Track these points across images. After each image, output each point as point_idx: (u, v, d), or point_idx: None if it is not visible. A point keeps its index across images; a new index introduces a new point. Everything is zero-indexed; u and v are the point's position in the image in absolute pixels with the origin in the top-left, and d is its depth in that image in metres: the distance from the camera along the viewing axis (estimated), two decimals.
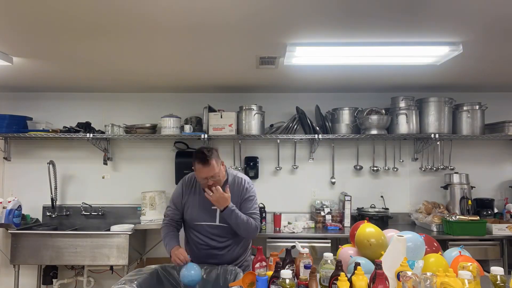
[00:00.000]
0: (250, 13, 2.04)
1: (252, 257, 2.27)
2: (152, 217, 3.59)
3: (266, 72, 3.23)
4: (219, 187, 2.16)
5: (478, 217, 3.43)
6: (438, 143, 3.89)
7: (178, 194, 2.39)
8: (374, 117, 3.64)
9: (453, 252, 2.07)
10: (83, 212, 3.96)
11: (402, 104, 3.70)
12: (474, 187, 3.85)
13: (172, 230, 2.35)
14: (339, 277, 1.62)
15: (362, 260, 2.01)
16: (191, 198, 2.34)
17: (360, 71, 3.25)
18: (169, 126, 3.71)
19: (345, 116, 3.81)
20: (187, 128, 3.73)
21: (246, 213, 2.26)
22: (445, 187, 3.87)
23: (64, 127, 3.84)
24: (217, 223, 2.27)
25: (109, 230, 3.63)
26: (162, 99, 4.12)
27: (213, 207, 2.26)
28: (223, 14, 2.05)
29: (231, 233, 2.27)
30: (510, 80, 3.61)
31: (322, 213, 3.76)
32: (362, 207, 3.89)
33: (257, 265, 2.04)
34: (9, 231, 3.45)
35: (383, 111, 3.75)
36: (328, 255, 1.86)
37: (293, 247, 1.99)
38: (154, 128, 3.86)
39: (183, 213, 2.38)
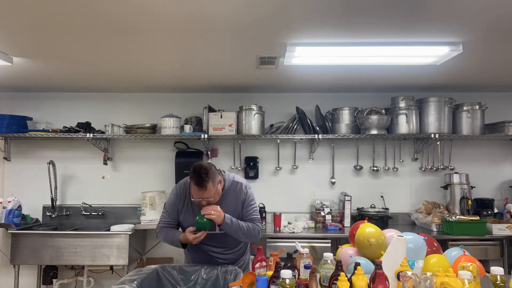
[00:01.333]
0: (250, 13, 2.04)
1: (252, 257, 2.27)
2: (152, 217, 3.58)
3: (266, 72, 3.23)
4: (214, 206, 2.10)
5: (478, 217, 3.43)
6: (438, 143, 3.89)
7: (172, 203, 2.29)
8: (374, 117, 3.64)
9: (453, 252, 2.07)
10: (83, 212, 3.96)
11: (402, 104, 3.70)
12: (474, 187, 3.85)
13: (169, 228, 2.30)
14: (339, 277, 1.62)
15: (362, 260, 2.01)
16: (186, 206, 2.26)
17: (360, 71, 3.25)
18: (169, 126, 3.71)
19: (345, 116, 3.81)
20: (187, 128, 3.73)
21: (247, 219, 2.24)
22: (445, 187, 3.87)
23: (64, 127, 3.85)
24: (217, 231, 2.19)
25: (109, 230, 3.63)
26: (162, 99, 4.12)
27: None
28: (223, 14, 2.05)
29: (231, 238, 2.23)
30: (510, 80, 3.61)
31: (322, 213, 3.76)
32: (362, 207, 3.89)
33: (257, 265, 2.03)
34: (9, 231, 3.45)
35: (383, 111, 3.75)
36: (328, 255, 1.86)
37: (296, 251, 1.99)
38: (154, 128, 3.86)
39: (178, 220, 2.31)
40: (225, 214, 2.12)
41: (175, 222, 2.31)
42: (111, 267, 3.82)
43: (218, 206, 2.12)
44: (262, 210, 3.56)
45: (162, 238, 2.31)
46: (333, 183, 4.06)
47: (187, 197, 2.26)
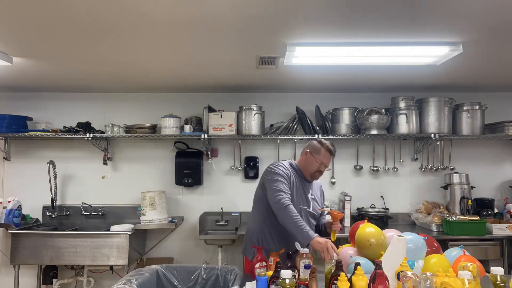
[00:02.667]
0: (250, 13, 2.04)
1: None
2: (152, 217, 3.58)
3: (266, 72, 3.23)
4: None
5: (478, 217, 3.43)
6: (438, 143, 3.89)
7: (283, 171, 2.38)
8: (374, 117, 3.64)
9: (453, 252, 2.07)
10: (83, 212, 3.96)
11: (402, 104, 3.70)
12: (474, 187, 3.85)
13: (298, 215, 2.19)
14: (339, 277, 1.62)
15: (362, 260, 2.01)
16: (292, 181, 2.40)
17: (360, 71, 3.25)
18: (169, 126, 3.71)
19: (345, 116, 3.81)
20: (187, 128, 3.73)
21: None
22: (445, 187, 3.87)
23: (64, 127, 3.85)
24: (310, 209, 2.45)
25: (109, 230, 3.63)
26: (162, 99, 4.12)
27: (310, 196, 2.50)
28: (223, 14, 2.05)
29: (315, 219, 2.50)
30: (510, 80, 3.61)
31: None
32: (362, 207, 3.89)
33: (257, 265, 2.04)
34: (9, 231, 3.45)
35: (383, 111, 3.75)
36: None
37: (296, 251, 1.99)
38: (154, 128, 3.86)
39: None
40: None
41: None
42: (111, 267, 3.82)
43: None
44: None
45: (287, 217, 2.12)
46: (333, 183, 4.06)
47: (292, 174, 2.43)
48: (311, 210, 2.44)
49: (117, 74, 3.36)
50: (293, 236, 2.10)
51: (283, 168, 2.41)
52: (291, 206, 2.17)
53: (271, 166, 2.43)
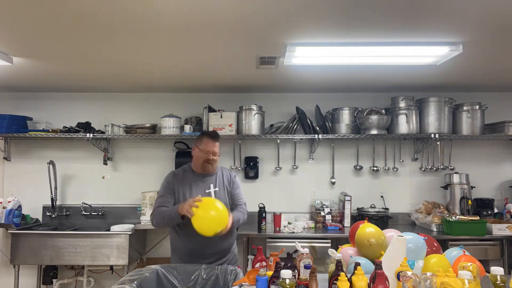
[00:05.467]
0: (250, 13, 2.04)
1: (252, 256, 2.27)
2: None
3: (266, 72, 3.23)
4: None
5: (478, 217, 3.43)
6: (438, 143, 3.89)
7: (165, 185, 2.45)
8: (374, 117, 3.64)
9: (453, 252, 2.07)
10: (83, 212, 3.96)
11: (402, 104, 3.70)
12: (474, 187, 3.85)
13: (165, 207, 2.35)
14: (339, 277, 1.62)
15: (362, 260, 2.02)
16: (181, 185, 2.42)
17: (360, 71, 3.25)
18: (169, 126, 3.71)
19: (345, 116, 3.81)
20: (187, 128, 3.73)
21: (238, 202, 2.49)
22: (445, 187, 3.87)
23: (64, 127, 3.85)
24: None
25: (109, 230, 3.63)
26: (162, 99, 4.12)
27: (207, 191, 2.42)
28: (223, 14, 2.05)
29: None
30: (510, 80, 3.61)
31: (322, 213, 3.76)
32: (362, 207, 3.89)
33: (257, 265, 2.04)
34: (9, 231, 3.45)
35: (383, 111, 3.75)
36: (335, 252, 1.89)
37: (296, 251, 1.99)
38: (154, 128, 3.86)
39: (174, 201, 2.39)
40: (231, 215, 2.26)
41: (171, 203, 2.38)
42: (111, 267, 3.82)
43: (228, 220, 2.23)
44: (262, 210, 3.56)
45: (159, 215, 2.30)
46: (333, 183, 4.06)
47: (181, 178, 2.45)
48: None
49: (117, 74, 3.36)
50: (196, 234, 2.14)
51: (164, 181, 2.48)
52: (157, 210, 2.32)
53: None
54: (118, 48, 2.62)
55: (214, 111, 3.80)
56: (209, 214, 2.10)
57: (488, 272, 1.72)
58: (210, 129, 3.69)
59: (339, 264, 1.69)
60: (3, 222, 3.52)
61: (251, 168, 4.00)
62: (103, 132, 3.88)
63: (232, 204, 2.50)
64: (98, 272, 3.89)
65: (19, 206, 3.66)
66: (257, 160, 4.02)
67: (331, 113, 3.91)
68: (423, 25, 2.20)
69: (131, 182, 4.07)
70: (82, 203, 3.97)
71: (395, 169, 4.05)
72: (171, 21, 2.15)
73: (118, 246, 3.37)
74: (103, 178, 4.10)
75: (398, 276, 1.64)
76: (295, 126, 3.87)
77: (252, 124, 3.73)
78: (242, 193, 2.59)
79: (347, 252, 2.20)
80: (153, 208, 2.40)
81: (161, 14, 2.05)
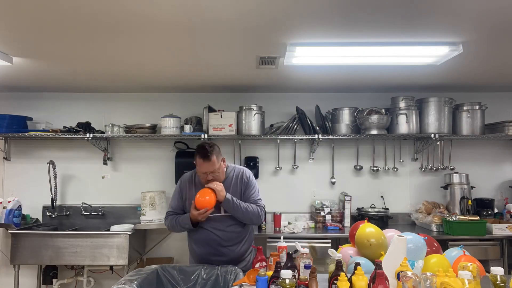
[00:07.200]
0: (250, 13, 2.04)
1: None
2: (152, 217, 3.58)
3: (266, 72, 3.23)
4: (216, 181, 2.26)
5: (478, 217, 3.43)
6: (438, 143, 3.88)
7: (176, 193, 2.47)
8: (374, 117, 3.64)
9: (453, 252, 2.07)
10: (83, 212, 3.96)
11: (402, 104, 3.70)
12: (474, 187, 3.85)
13: (178, 215, 2.42)
14: (339, 277, 1.62)
15: (362, 260, 2.02)
16: (191, 192, 2.38)
17: (360, 71, 3.25)
18: (169, 126, 3.71)
19: (345, 116, 3.81)
20: (187, 128, 3.73)
21: (250, 201, 2.37)
22: (445, 187, 3.87)
23: (64, 127, 3.85)
24: (222, 213, 2.33)
25: (109, 230, 3.63)
26: (162, 99, 4.12)
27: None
28: (223, 14, 2.05)
29: (235, 224, 2.34)
30: (510, 80, 3.61)
31: (322, 213, 3.76)
32: (362, 207, 3.89)
33: (257, 265, 2.04)
34: (9, 231, 3.45)
35: (383, 111, 3.75)
36: (335, 252, 1.89)
37: (296, 251, 1.99)
38: (154, 128, 3.86)
39: (184, 209, 2.42)
40: (227, 193, 2.27)
41: (182, 212, 2.42)
42: (111, 267, 3.82)
43: (221, 184, 2.28)
44: None
45: (172, 224, 2.38)
46: (333, 183, 4.06)
47: (192, 184, 2.42)
48: (222, 213, 2.32)
49: (117, 74, 3.36)
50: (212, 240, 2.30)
51: (177, 185, 2.50)
52: (170, 218, 2.40)
53: None
54: (119, 48, 2.62)
55: (214, 111, 3.80)
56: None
57: (488, 272, 1.72)
58: (210, 129, 3.69)
59: (339, 264, 1.69)
60: (3, 222, 3.52)
61: (251, 168, 3.97)
62: (103, 132, 3.88)
63: None
64: (98, 272, 3.89)
65: (19, 206, 3.66)
66: (257, 160, 4.02)
67: (331, 113, 3.91)
68: (423, 25, 2.20)
69: (131, 182, 4.07)
70: (82, 203, 3.97)
71: (395, 169, 4.05)
72: (171, 21, 2.15)
73: (118, 246, 3.37)
74: (103, 178, 4.10)
75: (398, 276, 1.64)
76: (295, 126, 3.87)
77: (252, 124, 3.73)
78: (258, 193, 2.43)
79: (347, 252, 2.20)
80: (167, 210, 2.50)
81: (161, 14, 2.05)
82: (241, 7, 1.96)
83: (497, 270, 1.65)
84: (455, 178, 3.81)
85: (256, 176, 4.00)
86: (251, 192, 2.41)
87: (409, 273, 1.54)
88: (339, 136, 3.76)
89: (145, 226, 3.59)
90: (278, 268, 1.71)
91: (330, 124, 3.86)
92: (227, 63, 2.99)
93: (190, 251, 2.47)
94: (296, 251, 1.99)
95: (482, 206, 3.83)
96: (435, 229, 3.52)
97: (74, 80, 3.59)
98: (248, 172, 2.48)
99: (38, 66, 3.09)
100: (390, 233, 2.16)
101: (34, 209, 4.00)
